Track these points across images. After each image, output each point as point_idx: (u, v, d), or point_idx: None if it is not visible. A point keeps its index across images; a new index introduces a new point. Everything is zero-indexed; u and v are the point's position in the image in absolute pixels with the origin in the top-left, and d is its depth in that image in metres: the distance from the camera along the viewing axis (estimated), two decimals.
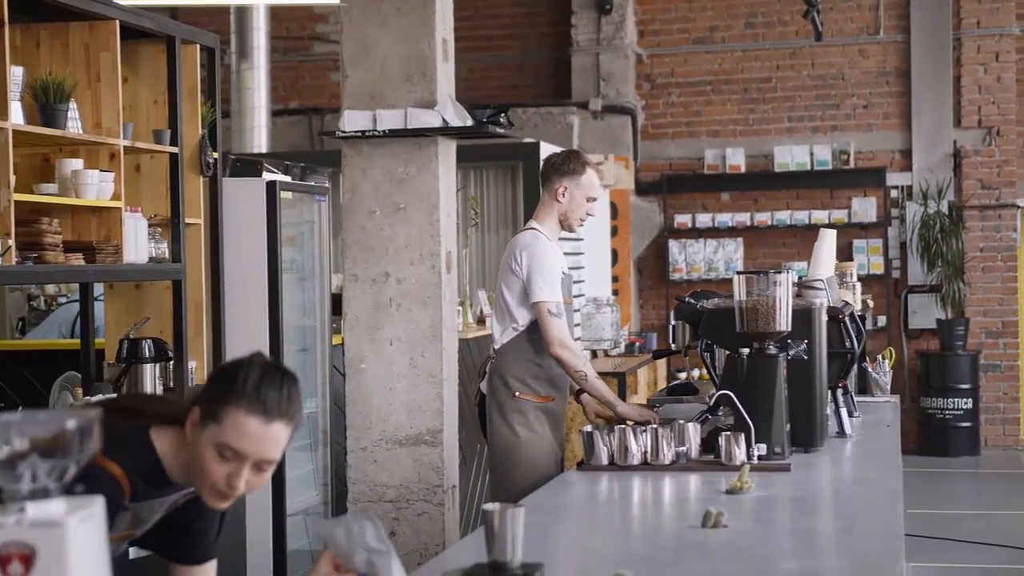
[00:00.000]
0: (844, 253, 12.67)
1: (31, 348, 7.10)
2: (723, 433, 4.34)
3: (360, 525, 2.62)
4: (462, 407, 6.50)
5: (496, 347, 5.49)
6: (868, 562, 3.05)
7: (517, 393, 5.38)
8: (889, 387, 6.57)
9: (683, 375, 12.61)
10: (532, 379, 5.39)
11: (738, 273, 4.58)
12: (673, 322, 5.29)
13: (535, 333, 5.34)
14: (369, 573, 2.59)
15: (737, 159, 13.18)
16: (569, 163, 5.51)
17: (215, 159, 6.21)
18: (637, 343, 11.60)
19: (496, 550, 2.78)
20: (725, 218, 13.15)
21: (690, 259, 13.24)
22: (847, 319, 5.20)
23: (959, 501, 10.91)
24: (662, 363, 11.78)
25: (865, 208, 12.93)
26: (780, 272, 4.53)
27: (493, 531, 2.78)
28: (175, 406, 2.79)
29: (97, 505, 1.83)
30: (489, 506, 2.78)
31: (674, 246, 13.23)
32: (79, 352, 5.90)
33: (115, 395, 2.51)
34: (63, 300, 9.09)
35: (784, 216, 13.04)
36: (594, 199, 5.55)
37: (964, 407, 12.52)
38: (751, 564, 3.05)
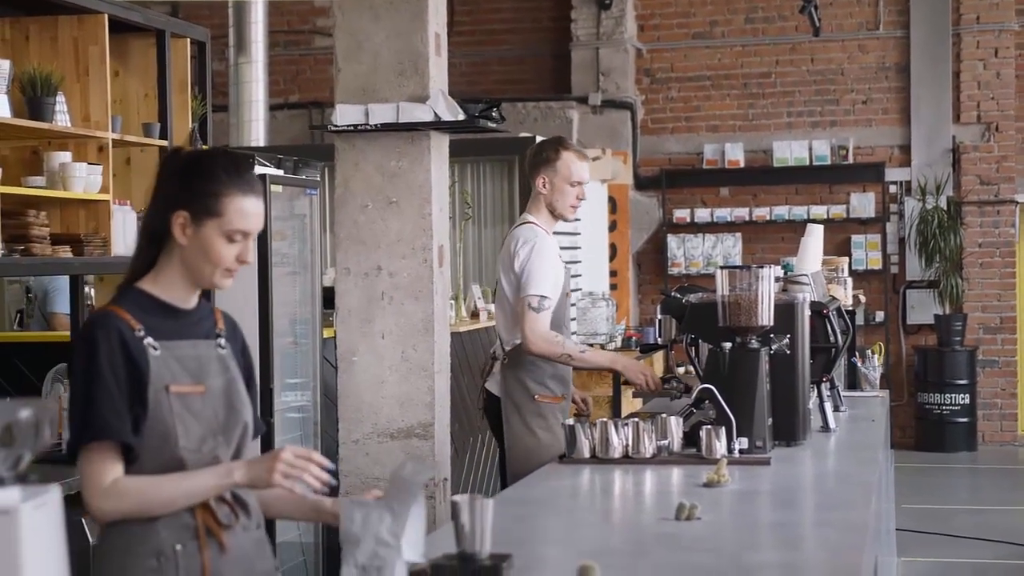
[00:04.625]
0: (842, 248, 12.69)
1: (25, 340, 7.12)
2: (704, 427, 4.35)
3: (380, 514, 2.66)
4: (454, 401, 6.51)
5: (507, 348, 5.38)
6: (833, 554, 3.06)
7: (537, 396, 5.30)
8: (878, 382, 6.58)
9: (681, 369, 12.63)
10: (549, 379, 5.32)
11: (721, 268, 4.59)
12: (659, 316, 5.30)
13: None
14: (369, 564, 2.62)
15: (736, 154, 13.19)
16: (542, 152, 5.45)
17: None
18: (635, 337, 11.61)
19: (465, 541, 2.80)
20: (724, 213, 13.17)
21: (689, 254, 13.25)
22: (832, 314, 5.21)
23: (955, 496, 10.93)
24: (660, 357, 11.79)
25: (864, 203, 12.94)
26: (763, 267, 4.54)
27: (462, 522, 2.80)
28: (140, 259, 3.00)
29: (52, 493, 1.85)
30: (458, 498, 2.80)
31: (673, 241, 13.24)
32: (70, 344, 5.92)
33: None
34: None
35: (783, 211, 13.05)
36: (578, 183, 5.43)
37: (961, 402, 12.53)
38: (719, 556, 3.07)
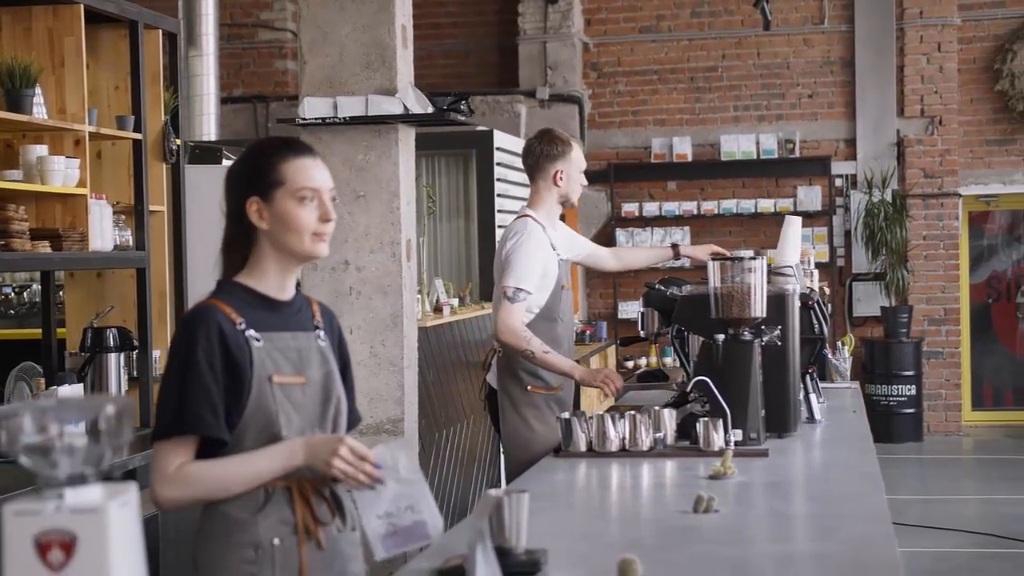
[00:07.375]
0: None
1: None
2: (701, 419, 4.35)
3: (393, 455, 2.67)
4: (421, 396, 6.48)
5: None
6: (865, 545, 3.07)
7: (529, 387, 5.27)
8: (848, 373, 6.62)
9: (630, 363, 12.67)
10: (542, 370, 5.26)
11: (713, 259, 4.59)
12: (642, 309, 5.28)
13: (541, 323, 5.25)
14: (397, 507, 2.62)
15: (684, 148, 13.23)
16: (557, 146, 5.46)
17: (178, 146, 6.14)
18: (588, 332, 11.64)
19: (501, 535, 2.78)
20: (672, 207, 13.20)
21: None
22: (816, 304, 5.23)
23: (904, 486, 11.03)
24: (612, 351, 11.83)
25: (810, 197, 13.03)
26: (755, 258, 4.54)
27: (498, 516, 2.77)
28: (231, 259, 3.01)
29: (132, 492, 1.80)
30: (494, 492, 2.77)
31: (621, 235, 13.26)
32: (39, 342, 5.81)
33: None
34: (7, 289, 8.97)
35: (731, 205, 13.10)
36: (583, 170, 5.58)
37: (908, 394, 12.67)
38: (749, 547, 3.07)
